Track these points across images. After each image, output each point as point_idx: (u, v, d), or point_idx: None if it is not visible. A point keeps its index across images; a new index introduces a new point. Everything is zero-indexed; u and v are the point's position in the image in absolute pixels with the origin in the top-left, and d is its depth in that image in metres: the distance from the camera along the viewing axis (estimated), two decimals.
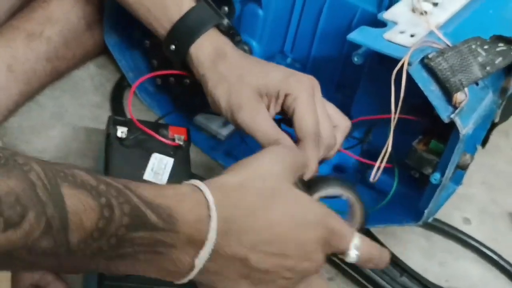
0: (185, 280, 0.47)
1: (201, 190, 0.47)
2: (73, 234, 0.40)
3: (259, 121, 0.64)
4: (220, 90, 0.66)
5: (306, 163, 0.59)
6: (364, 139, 0.73)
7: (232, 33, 0.71)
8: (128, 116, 0.70)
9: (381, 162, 0.65)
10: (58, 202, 0.40)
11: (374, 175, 0.66)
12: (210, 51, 0.68)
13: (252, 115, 0.64)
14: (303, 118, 0.63)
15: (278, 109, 0.66)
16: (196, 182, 0.48)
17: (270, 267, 0.49)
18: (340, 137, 0.67)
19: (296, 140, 0.64)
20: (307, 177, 0.62)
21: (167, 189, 0.47)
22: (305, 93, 0.64)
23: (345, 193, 0.59)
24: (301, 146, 0.63)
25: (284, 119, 0.67)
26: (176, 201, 0.46)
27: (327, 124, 0.65)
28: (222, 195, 0.48)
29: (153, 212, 0.44)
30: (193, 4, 0.70)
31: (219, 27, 0.70)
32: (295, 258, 0.50)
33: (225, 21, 0.70)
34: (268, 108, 0.65)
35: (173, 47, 0.70)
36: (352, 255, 0.53)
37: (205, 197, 0.47)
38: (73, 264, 0.42)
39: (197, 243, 0.46)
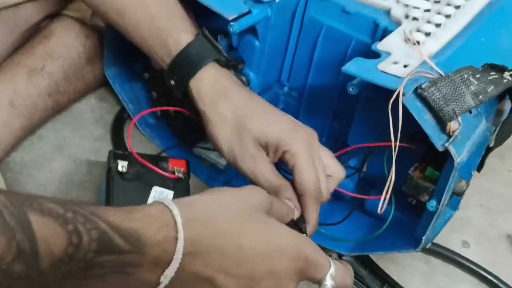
0: None
1: (169, 210, 0.48)
2: (43, 260, 0.42)
3: (261, 169, 0.65)
4: (221, 133, 0.67)
5: (285, 211, 0.59)
6: (361, 168, 0.74)
7: (232, 65, 0.72)
8: (129, 148, 0.71)
9: (386, 193, 0.66)
10: (26, 229, 0.41)
11: (381, 207, 0.66)
12: (210, 86, 0.69)
13: (253, 163, 0.66)
14: (303, 175, 0.64)
15: (276, 159, 0.67)
16: (166, 201, 0.49)
17: None
18: (333, 187, 0.68)
19: (297, 192, 0.65)
20: (310, 232, 0.63)
21: (135, 212, 0.48)
22: (304, 149, 0.65)
23: None
24: (302, 201, 0.64)
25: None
26: (144, 223, 0.47)
27: (323, 178, 0.66)
28: (191, 214, 0.49)
29: (120, 236, 0.45)
30: (190, 39, 0.71)
31: (218, 61, 0.71)
32: (264, 284, 0.50)
33: (224, 55, 0.71)
34: (267, 155, 0.67)
35: (173, 82, 0.71)
36: (328, 285, 0.53)
37: (173, 218, 0.48)
38: (46, 285, 0.44)
39: (164, 263, 0.47)
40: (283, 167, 0.68)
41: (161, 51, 0.71)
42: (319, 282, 0.53)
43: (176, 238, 0.47)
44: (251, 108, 0.68)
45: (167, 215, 0.48)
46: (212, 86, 0.69)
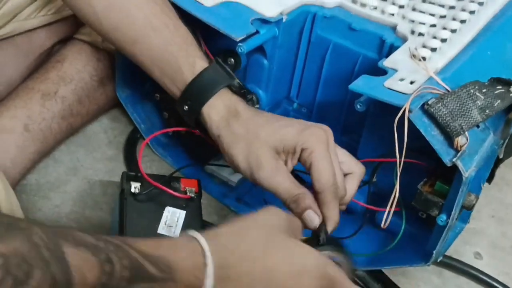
0: None
1: (196, 239, 0.50)
2: None
3: (279, 179, 0.65)
4: (237, 150, 0.67)
5: (299, 227, 0.60)
6: (370, 181, 0.74)
7: (243, 92, 0.73)
8: (140, 171, 0.72)
9: (391, 207, 0.66)
10: (61, 260, 0.42)
11: (385, 222, 0.67)
12: (222, 110, 0.70)
13: (272, 175, 0.65)
14: (321, 172, 0.64)
15: (295, 163, 0.67)
16: (191, 232, 0.51)
17: None
18: (356, 183, 0.69)
19: (313, 192, 0.65)
20: (330, 229, 0.64)
21: (163, 241, 0.50)
22: (321, 146, 0.65)
23: (334, 255, 0.60)
24: (321, 198, 0.64)
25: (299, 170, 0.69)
26: (173, 251, 0.48)
27: (339, 174, 0.66)
28: (217, 242, 0.50)
29: (151, 264, 0.46)
30: (205, 65, 0.71)
31: (230, 87, 0.71)
32: None
33: (236, 81, 0.72)
34: (285, 163, 0.67)
35: (186, 107, 0.71)
36: None
37: (200, 245, 0.49)
38: None
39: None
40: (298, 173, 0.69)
41: (175, 78, 0.71)
42: None
43: (205, 265, 0.48)
44: (263, 123, 0.69)
45: (194, 243, 0.50)
46: (225, 111, 0.70)
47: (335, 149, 0.68)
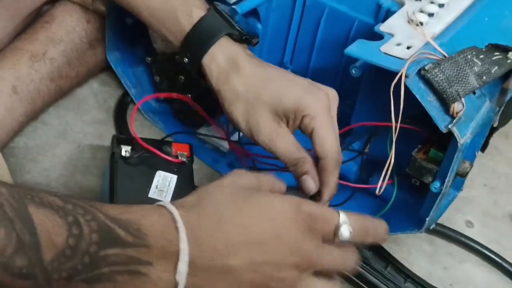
0: None
1: (164, 207, 0.49)
2: (45, 251, 0.42)
3: (279, 142, 0.64)
4: (237, 109, 0.66)
5: (273, 183, 0.57)
6: (363, 151, 0.74)
7: (246, 39, 0.70)
8: (132, 133, 0.71)
9: (385, 175, 0.66)
10: (26, 220, 0.41)
11: (379, 189, 0.67)
12: (222, 62, 0.68)
13: (272, 137, 0.64)
14: (324, 138, 0.63)
15: (296, 127, 0.66)
16: (159, 202, 0.50)
17: (255, 268, 0.48)
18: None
19: (315, 157, 0.64)
20: (327, 197, 0.63)
21: (131, 207, 0.48)
22: (322, 111, 0.64)
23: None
24: (322, 165, 0.63)
25: None
26: (142, 215, 0.47)
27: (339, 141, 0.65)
28: (184, 209, 0.49)
29: (121, 227, 0.45)
30: (202, 13, 0.69)
31: (231, 35, 0.69)
32: (280, 254, 0.49)
33: (237, 28, 0.69)
34: (287, 125, 0.66)
35: (186, 59, 0.69)
36: (345, 230, 0.51)
37: (169, 211, 0.48)
38: None
39: (172, 256, 0.46)
40: None
41: (173, 28, 0.69)
42: (336, 232, 0.51)
43: (177, 228, 0.47)
44: (263, 78, 0.67)
45: (162, 209, 0.48)
46: (225, 63, 0.68)
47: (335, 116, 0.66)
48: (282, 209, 0.50)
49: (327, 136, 0.64)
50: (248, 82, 0.67)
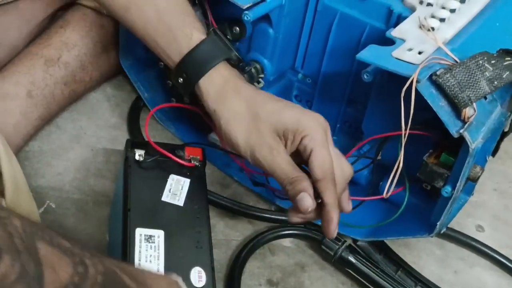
0: None
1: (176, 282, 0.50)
2: (47, 285, 0.41)
3: (279, 160, 0.64)
4: (236, 128, 0.66)
5: None
6: (375, 158, 0.74)
7: (241, 65, 0.71)
8: (146, 137, 0.72)
9: (393, 178, 0.66)
10: (33, 253, 0.41)
11: (387, 191, 0.67)
12: (220, 84, 0.68)
13: (273, 155, 0.64)
14: (322, 159, 0.64)
15: (294, 148, 0.66)
16: (173, 276, 0.51)
17: None
18: (344, 183, 0.67)
19: (313, 179, 0.64)
20: (335, 216, 0.63)
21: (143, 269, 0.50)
22: (321, 133, 0.65)
23: None
24: (322, 186, 0.63)
25: None
26: (149, 274, 0.48)
27: (337, 163, 0.65)
28: None
29: (126, 274, 0.45)
30: (203, 37, 0.69)
31: (228, 60, 0.70)
32: None
33: (234, 54, 0.70)
34: (285, 146, 0.66)
35: (181, 80, 0.70)
36: None
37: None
38: None
39: None
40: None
41: (170, 48, 0.69)
42: None
43: None
44: (261, 99, 0.67)
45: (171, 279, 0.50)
46: (223, 85, 0.68)
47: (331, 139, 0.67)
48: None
49: (325, 158, 0.64)
50: (247, 102, 0.67)
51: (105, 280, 0.44)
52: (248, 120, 0.66)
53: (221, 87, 0.68)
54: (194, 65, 0.69)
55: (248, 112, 0.67)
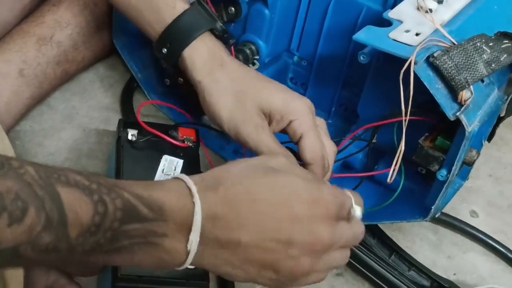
0: (183, 266, 0.49)
1: (183, 181, 0.49)
2: (71, 229, 0.43)
3: (264, 137, 0.64)
4: (221, 101, 0.66)
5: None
6: (370, 142, 0.73)
7: (226, 37, 0.70)
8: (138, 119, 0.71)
9: (396, 164, 0.65)
10: (55, 199, 0.42)
11: (391, 177, 0.66)
12: (205, 54, 0.67)
13: (258, 132, 0.64)
14: (313, 145, 0.64)
15: (279, 129, 0.66)
16: (180, 175, 0.50)
17: (266, 245, 0.49)
18: (331, 161, 0.67)
19: (302, 163, 0.64)
20: None
21: (154, 184, 0.49)
22: (310, 118, 0.65)
23: None
24: (311, 169, 0.63)
25: None
26: (163, 193, 0.48)
27: (324, 148, 0.65)
28: (203, 183, 0.49)
29: (143, 204, 0.46)
30: (186, 6, 0.69)
31: (213, 30, 0.69)
32: (294, 233, 0.49)
33: (219, 24, 0.69)
34: (269, 125, 0.65)
35: (165, 50, 0.69)
36: (358, 212, 0.56)
37: (188, 187, 0.49)
38: (74, 259, 0.45)
39: (186, 229, 0.48)
40: None
41: (153, 18, 0.69)
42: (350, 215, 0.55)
43: (193, 203, 0.48)
44: (250, 78, 0.67)
45: (182, 185, 0.49)
46: (208, 56, 0.67)
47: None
48: (302, 192, 0.51)
49: (315, 142, 0.64)
50: (233, 77, 0.67)
51: (124, 214, 0.45)
52: (233, 95, 0.66)
53: (206, 58, 0.67)
54: (178, 34, 0.68)
55: (233, 87, 0.66)
